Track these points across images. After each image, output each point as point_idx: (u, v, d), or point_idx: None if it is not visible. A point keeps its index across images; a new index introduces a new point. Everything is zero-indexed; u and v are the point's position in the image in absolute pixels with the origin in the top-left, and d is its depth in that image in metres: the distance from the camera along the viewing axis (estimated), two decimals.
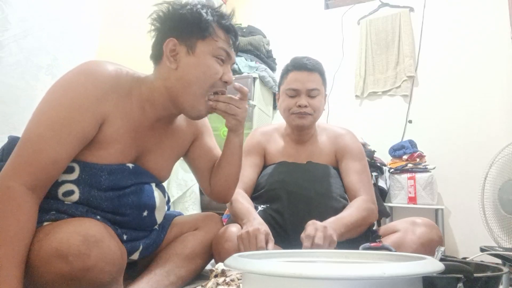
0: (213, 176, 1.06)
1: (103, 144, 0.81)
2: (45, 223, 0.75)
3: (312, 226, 0.96)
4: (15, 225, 0.67)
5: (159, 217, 0.97)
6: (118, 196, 0.84)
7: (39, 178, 0.72)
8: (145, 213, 0.91)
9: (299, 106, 1.24)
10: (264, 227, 0.98)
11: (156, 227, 0.99)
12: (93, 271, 0.65)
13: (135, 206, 0.87)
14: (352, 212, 1.11)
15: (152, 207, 0.93)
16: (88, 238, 0.66)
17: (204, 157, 1.08)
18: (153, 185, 0.95)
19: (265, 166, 1.35)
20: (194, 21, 0.86)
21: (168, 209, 1.12)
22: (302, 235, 0.96)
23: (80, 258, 0.64)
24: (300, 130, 1.31)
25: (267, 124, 2.53)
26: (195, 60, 0.86)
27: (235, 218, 1.14)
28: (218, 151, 1.11)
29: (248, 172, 1.29)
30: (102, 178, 0.81)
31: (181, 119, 1.01)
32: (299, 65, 1.27)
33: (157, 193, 0.95)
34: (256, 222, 1.01)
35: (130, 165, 0.87)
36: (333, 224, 1.01)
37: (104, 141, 0.81)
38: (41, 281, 0.66)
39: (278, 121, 2.76)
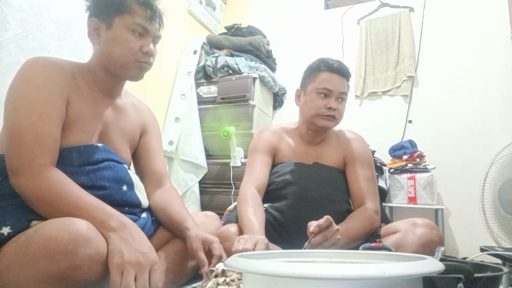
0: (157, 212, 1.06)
1: (68, 125, 0.88)
2: (34, 222, 0.75)
3: (328, 222, 0.91)
4: (72, 185, 0.79)
5: (142, 197, 1.00)
6: (94, 170, 0.89)
7: (53, 157, 0.82)
8: (124, 187, 0.94)
9: (330, 108, 1.24)
10: (261, 243, 0.92)
11: (144, 215, 0.99)
12: (80, 271, 0.65)
13: (112, 179, 0.91)
14: (358, 225, 1.10)
15: (130, 183, 0.97)
16: (76, 237, 0.65)
17: (147, 161, 1.11)
18: (126, 166, 1.00)
19: (273, 166, 1.35)
20: None
21: None
22: (313, 225, 0.90)
23: (67, 257, 0.63)
24: (321, 131, 1.31)
25: (271, 124, 2.53)
26: (112, 34, 0.93)
27: (239, 219, 1.12)
28: (160, 159, 1.13)
29: (260, 168, 1.28)
30: (73, 157, 0.87)
31: (129, 107, 1.08)
32: (333, 68, 1.26)
33: (131, 173, 1.00)
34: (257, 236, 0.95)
35: (100, 144, 0.94)
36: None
37: (68, 122, 0.88)
38: (28, 281, 0.64)
39: (278, 121, 2.76)
